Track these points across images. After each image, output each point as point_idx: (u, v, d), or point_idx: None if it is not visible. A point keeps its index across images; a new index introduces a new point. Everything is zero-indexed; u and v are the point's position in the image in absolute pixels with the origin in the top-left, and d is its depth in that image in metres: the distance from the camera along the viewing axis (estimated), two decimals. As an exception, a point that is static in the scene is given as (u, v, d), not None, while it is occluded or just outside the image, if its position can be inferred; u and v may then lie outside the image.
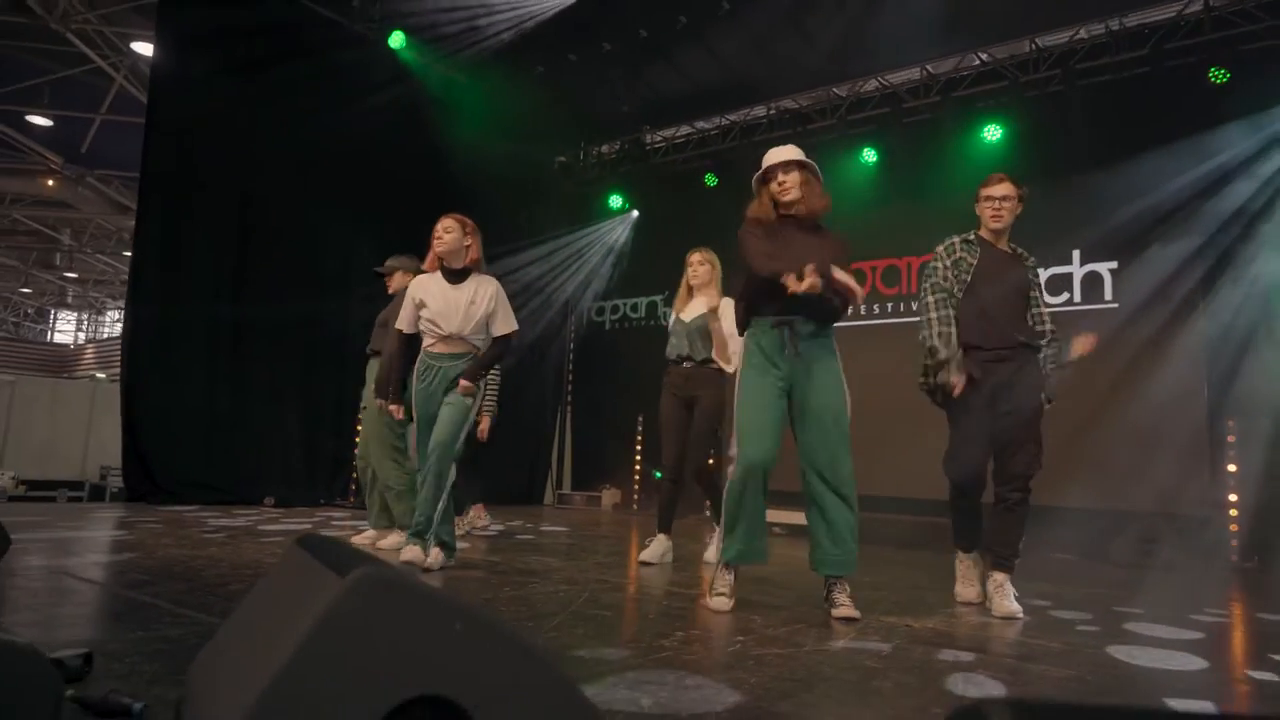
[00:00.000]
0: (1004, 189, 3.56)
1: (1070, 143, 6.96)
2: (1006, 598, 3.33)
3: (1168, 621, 3.36)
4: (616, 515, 8.57)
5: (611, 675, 2.08)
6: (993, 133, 7.47)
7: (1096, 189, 6.73)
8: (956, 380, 3.39)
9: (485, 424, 5.74)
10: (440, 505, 3.73)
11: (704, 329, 4.52)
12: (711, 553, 4.52)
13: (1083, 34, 7.26)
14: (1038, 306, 3.54)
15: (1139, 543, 5.97)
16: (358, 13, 7.86)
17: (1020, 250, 3.63)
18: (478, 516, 6.08)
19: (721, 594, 3.15)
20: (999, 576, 3.40)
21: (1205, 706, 2.11)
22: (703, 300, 4.53)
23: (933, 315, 3.50)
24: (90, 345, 28.37)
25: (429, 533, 3.76)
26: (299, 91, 7.28)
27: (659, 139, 9.96)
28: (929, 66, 8.02)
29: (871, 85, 8.40)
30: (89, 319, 29.70)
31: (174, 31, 6.80)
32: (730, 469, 3.22)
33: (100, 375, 21.70)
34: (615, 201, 10.05)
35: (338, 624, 1.01)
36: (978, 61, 7.79)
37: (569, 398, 10.20)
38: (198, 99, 6.78)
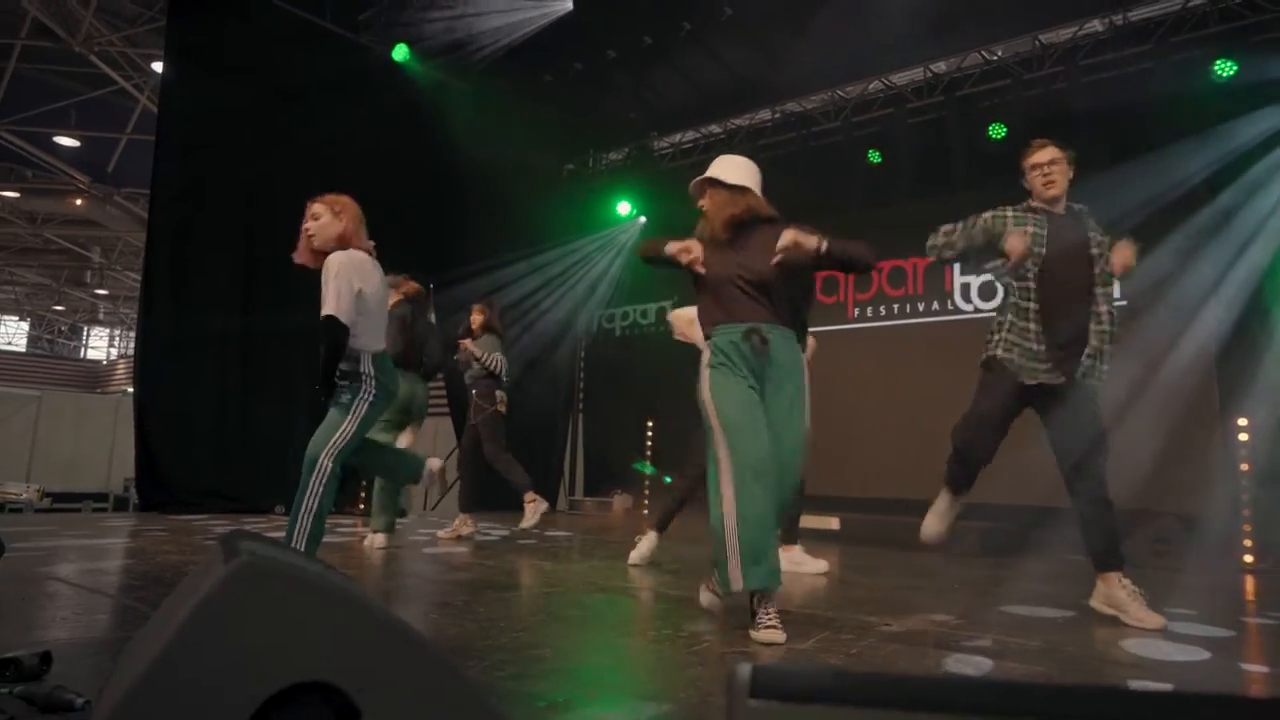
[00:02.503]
0: (1050, 153, 3.41)
1: (1076, 140, 6.86)
2: (1139, 604, 3.11)
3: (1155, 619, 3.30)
4: (628, 520, 8.57)
5: (566, 671, 2.09)
6: (998, 131, 7.40)
7: (1103, 186, 6.61)
8: (1016, 244, 3.16)
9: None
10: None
11: None
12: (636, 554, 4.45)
13: (1087, 29, 7.18)
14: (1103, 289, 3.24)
15: (1152, 543, 5.86)
16: (363, 26, 7.98)
17: (1079, 208, 3.41)
18: (463, 525, 5.80)
19: (772, 626, 2.63)
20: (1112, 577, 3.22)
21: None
22: None
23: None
24: (122, 361, 28.90)
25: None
26: (306, 106, 7.38)
27: (666, 145, 9.98)
28: (932, 66, 7.97)
29: (875, 86, 8.36)
30: (120, 335, 30.27)
31: (182, 49, 6.94)
32: (727, 486, 2.68)
33: (131, 390, 22.13)
34: (624, 208, 10.08)
35: (215, 609, 1.03)
36: (981, 60, 7.73)
37: (580, 404, 10.23)
38: (206, 115, 6.91)
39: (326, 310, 3.35)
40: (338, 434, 3.43)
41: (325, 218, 3.53)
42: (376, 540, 4.90)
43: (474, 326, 6.07)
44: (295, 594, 1.08)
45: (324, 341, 3.40)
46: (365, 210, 7.76)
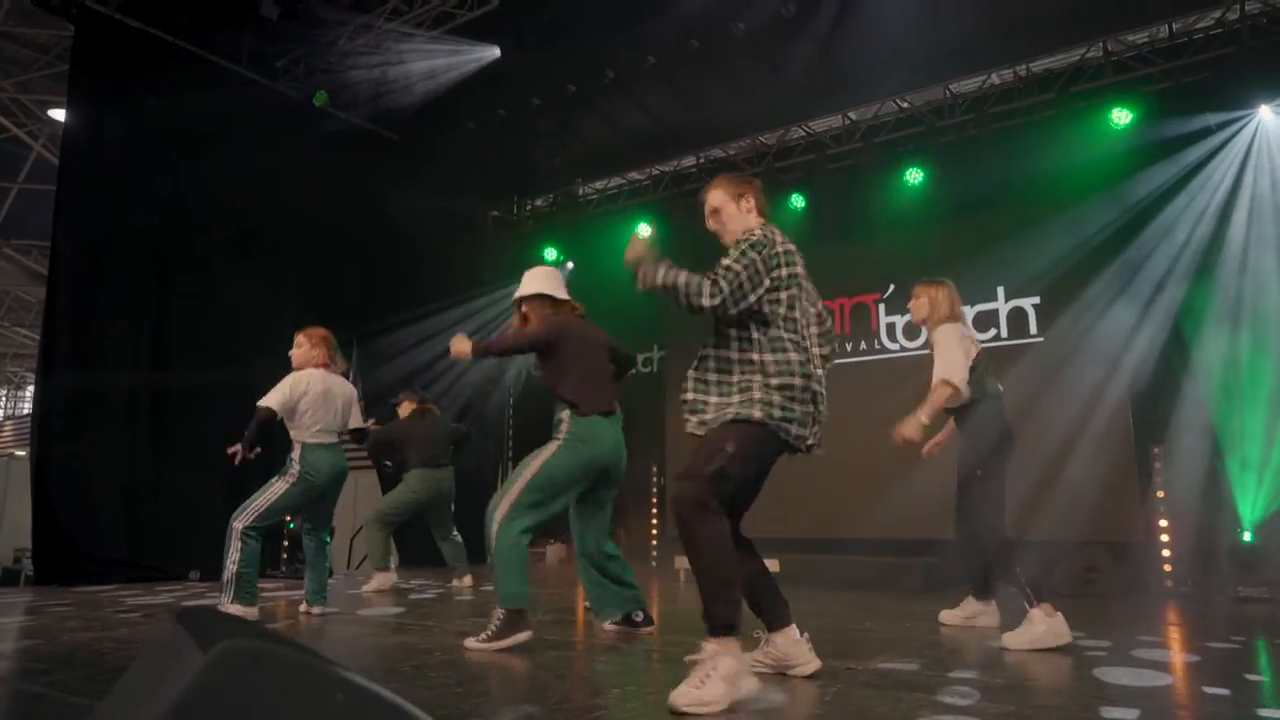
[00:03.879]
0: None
1: (987, 182, 7.19)
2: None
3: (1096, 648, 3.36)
4: (562, 570, 8.37)
5: (540, 740, 1.97)
6: (914, 176, 7.69)
7: (1015, 227, 6.93)
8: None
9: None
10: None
11: None
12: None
13: (993, 79, 7.56)
14: None
15: (1079, 571, 6.02)
16: (281, 73, 7.80)
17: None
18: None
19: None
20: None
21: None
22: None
23: None
24: (9, 422, 27.08)
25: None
26: (220, 153, 7.14)
27: (591, 190, 10.04)
28: (850, 114, 8.25)
29: (797, 133, 8.60)
30: (8, 394, 28.42)
31: (87, 95, 6.64)
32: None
33: (20, 453, 20.70)
34: (550, 254, 10.05)
35: (198, 703, 0.91)
36: (896, 108, 8.04)
37: (510, 454, 10.03)
38: (112, 166, 6.61)
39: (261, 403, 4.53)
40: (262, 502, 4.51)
41: (305, 347, 4.66)
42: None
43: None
44: (287, 680, 0.96)
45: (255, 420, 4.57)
46: (285, 262, 7.58)
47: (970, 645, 3.52)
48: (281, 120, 7.59)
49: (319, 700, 0.95)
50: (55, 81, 9.84)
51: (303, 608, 4.65)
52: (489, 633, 3.31)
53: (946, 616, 4.10)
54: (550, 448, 3.61)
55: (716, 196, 2.83)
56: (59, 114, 10.27)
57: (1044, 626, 3.35)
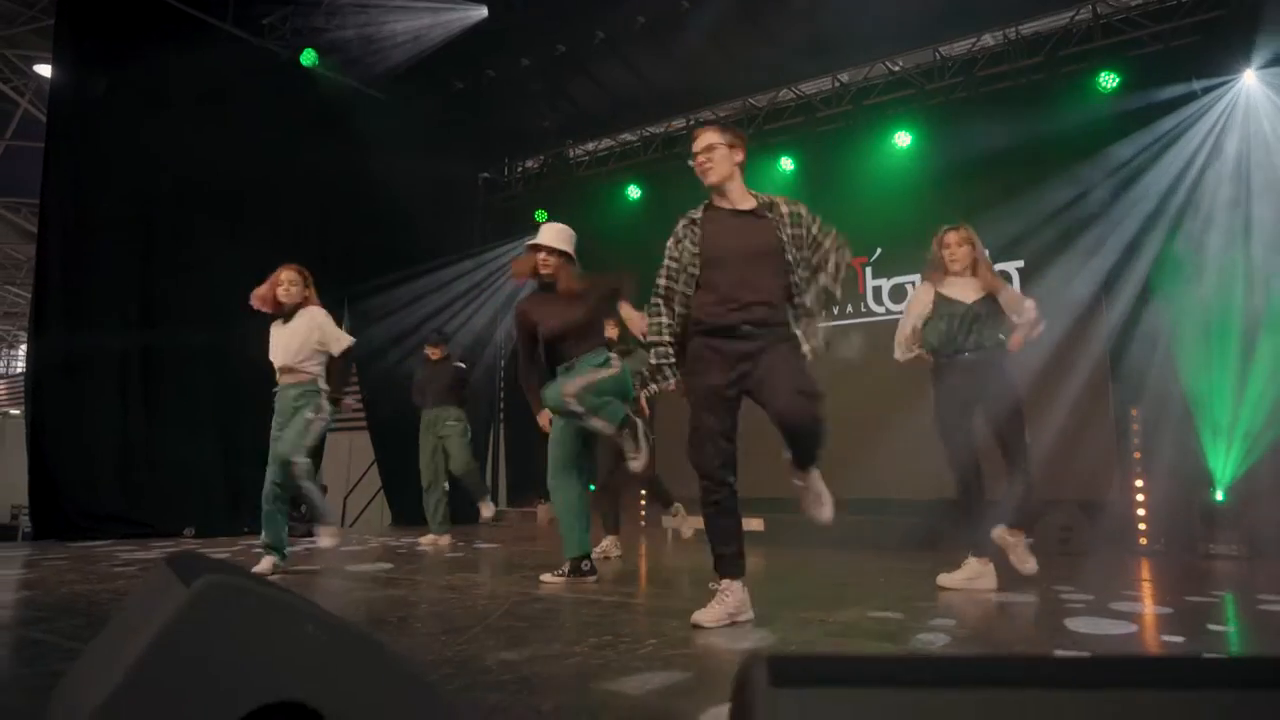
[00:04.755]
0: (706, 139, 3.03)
1: (976, 146, 7.19)
2: None
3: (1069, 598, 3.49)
4: (552, 529, 8.52)
5: (516, 682, 2.08)
6: (903, 139, 7.69)
7: (1002, 190, 6.95)
8: None
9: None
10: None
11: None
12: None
13: (985, 41, 7.54)
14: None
15: (1057, 530, 6.17)
16: (268, 31, 7.74)
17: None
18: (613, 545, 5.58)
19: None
20: None
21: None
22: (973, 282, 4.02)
23: None
24: (3, 381, 27.10)
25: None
26: (207, 112, 7.12)
27: (582, 152, 10.01)
28: (841, 76, 8.23)
29: (786, 95, 8.58)
30: (1, 353, 28.40)
31: (73, 53, 6.60)
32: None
33: (14, 412, 20.75)
34: (540, 215, 10.04)
35: (181, 632, 1.00)
36: (886, 70, 8.02)
37: (501, 414, 10.13)
38: (99, 121, 6.59)
39: (347, 343, 4.60)
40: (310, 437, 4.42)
41: (299, 285, 4.53)
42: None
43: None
44: (263, 614, 1.05)
45: (351, 360, 4.73)
46: (274, 222, 7.60)
47: (953, 600, 3.63)
48: (269, 79, 7.55)
49: (291, 630, 1.04)
50: (41, 37, 9.74)
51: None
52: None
53: (945, 580, 3.92)
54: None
55: (713, 136, 3.00)
56: (45, 70, 10.19)
57: (978, 571, 3.83)
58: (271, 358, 4.53)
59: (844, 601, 3.52)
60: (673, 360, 3.00)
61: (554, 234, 4.17)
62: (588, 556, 4.18)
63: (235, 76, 7.23)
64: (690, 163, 3.08)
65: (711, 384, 2.88)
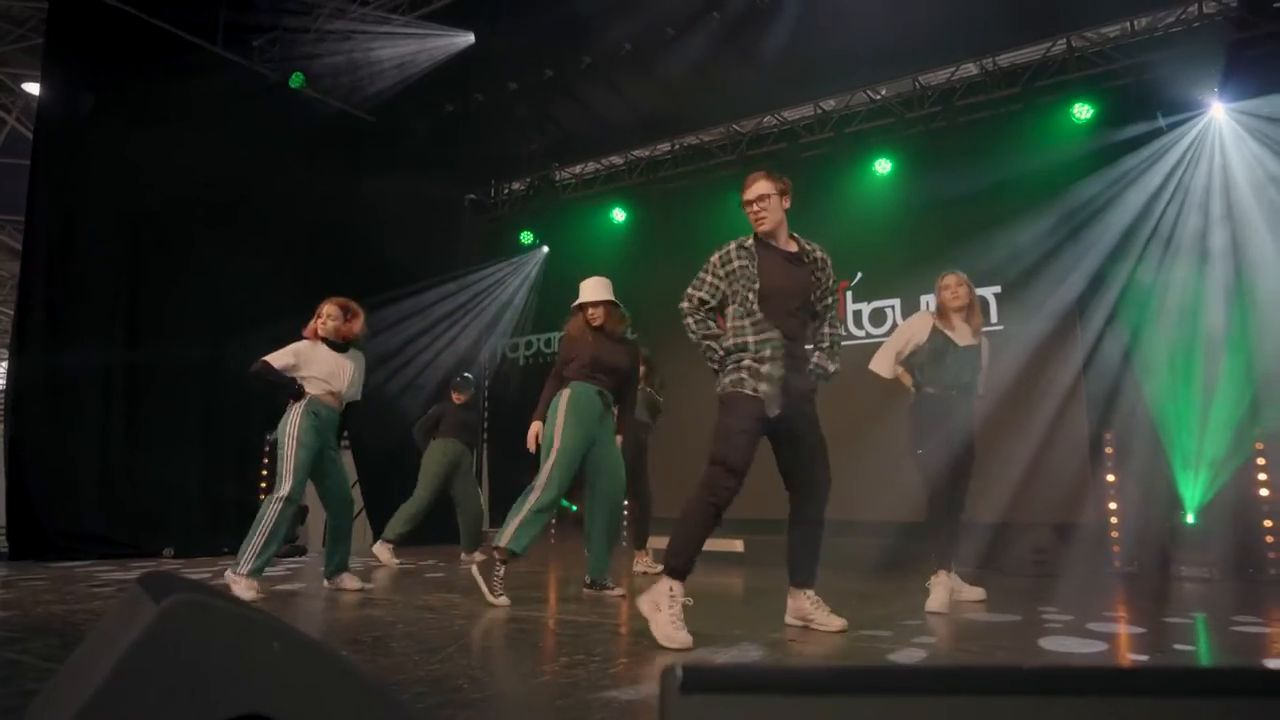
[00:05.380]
0: (758, 189, 3.33)
1: (953, 174, 7.34)
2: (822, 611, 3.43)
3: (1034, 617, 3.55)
4: (534, 549, 8.52)
5: (484, 700, 2.12)
6: (883, 166, 7.83)
7: (979, 217, 7.08)
8: None
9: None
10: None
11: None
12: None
13: (963, 71, 7.70)
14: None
15: (1031, 553, 6.24)
16: (257, 54, 7.82)
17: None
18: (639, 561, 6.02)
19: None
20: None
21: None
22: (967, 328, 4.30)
23: None
24: (-17, 398, 26.85)
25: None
26: (196, 132, 7.17)
27: (568, 175, 10.11)
28: (823, 104, 8.37)
29: (770, 122, 8.71)
30: (-19, 370, 28.14)
31: (61, 72, 6.65)
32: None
33: (-5, 429, 20.60)
34: (526, 238, 10.14)
35: (149, 648, 1.04)
36: (867, 99, 8.17)
37: (485, 434, 10.15)
38: (87, 140, 6.63)
39: (356, 396, 4.77)
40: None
41: (336, 320, 4.62)
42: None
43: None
44: (229, 629, 1.09)
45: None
46: (260, 242, 7.65)
47: (933, 620, 3.68)
48: (258, 100, 7.62)
49: (258, 647, 1.09)
50: (30, 56, 9.79)
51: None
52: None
53: (932, 605, 3.93)
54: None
55: (766, 186, 3.30)
56: (34, 88, 10.23)
57: (948, 589, 4.03)
58: (328, 380, 4.55)
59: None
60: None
61: (596, 289, 4.60)
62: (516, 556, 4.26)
63: (224, 98, 7.30)
64: (743, 209, 3.34)
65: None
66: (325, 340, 4.62)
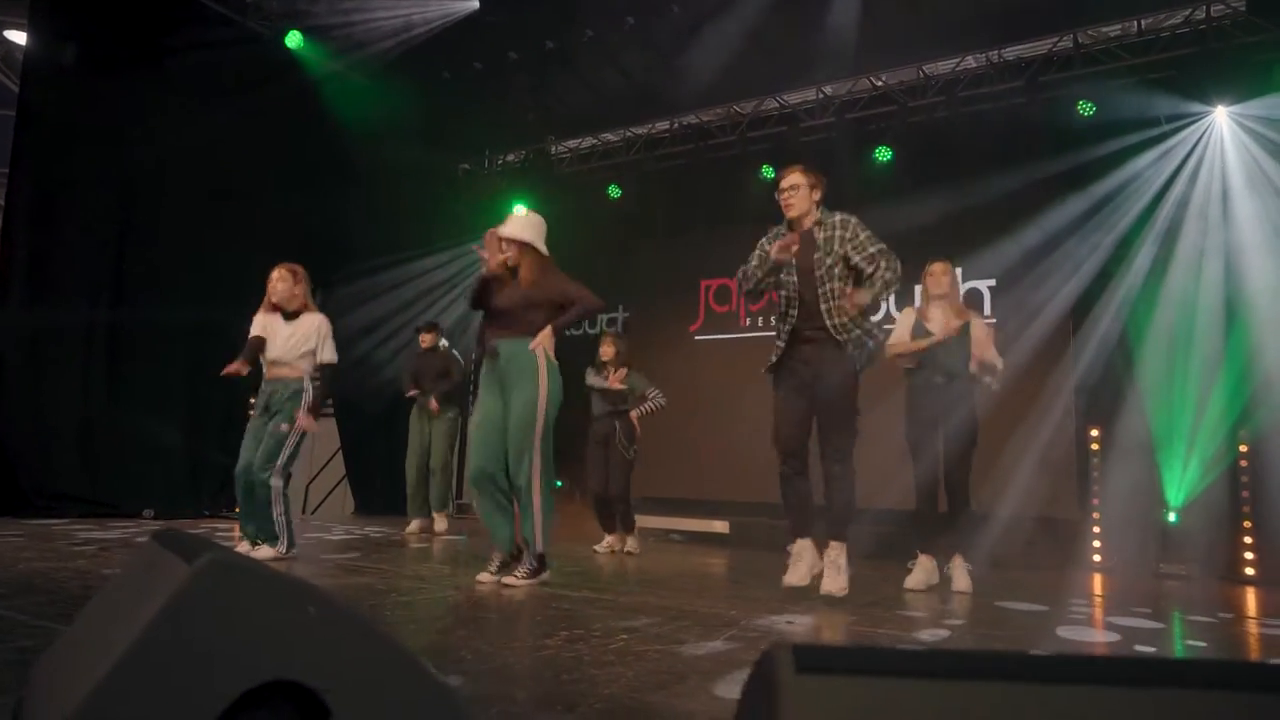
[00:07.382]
0: (791, 179, 3.85)
1: (953, 164, 7.33)
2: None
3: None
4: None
5: (490, 672, 2.09)
6: (883, 154, 7.79)
7: (977, 209, 7.07)
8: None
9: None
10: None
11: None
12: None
13: (967, 63, 7.66)
14: None
15: (1019, 545, 6.28)
16: (252, 10, 7.64)
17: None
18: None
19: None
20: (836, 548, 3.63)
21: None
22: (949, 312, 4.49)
23: None
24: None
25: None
26: (188, 89, 7.02)
27: (564, 149, 10.00)
28: (824, 88, 8.31)
29: (770, 104, 8.64)
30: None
31: (49, 20, 6.47)
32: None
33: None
34: (520, 210, 10.01)
35: (183, 609, 1.00)
36: (870, 85, 8.12)
37: (470, 407, 10.08)
38: (75, 91, 6.46)
39: (333, 358, 4.55)
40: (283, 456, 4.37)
41: (287, 283, 4.49)
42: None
43: (608, 358, 5.99)
44: (262, 594, 1.05)
45: (332, 380, 4.68)
46: (251, 202, 7.52)
47: (920, 602, 3.70)
48: (251, 59, 7.46)
49: (294, 610, 1.05)
50: (16, 4, 9.52)
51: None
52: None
53: (910, 583, 4.26)
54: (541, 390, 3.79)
55: (799, 178, 3.74)
56: (17, 36, 9.95)
57: (927, 570, 4.25)
58: (268, 350, 4.46)
59: (809, 606, 3.56)
60: None
61: (519, 225, 4.01)
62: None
63: (217, 54, 7.13)
64: (777, 195, 3.82)
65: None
66: (278, 308, 4.52)
